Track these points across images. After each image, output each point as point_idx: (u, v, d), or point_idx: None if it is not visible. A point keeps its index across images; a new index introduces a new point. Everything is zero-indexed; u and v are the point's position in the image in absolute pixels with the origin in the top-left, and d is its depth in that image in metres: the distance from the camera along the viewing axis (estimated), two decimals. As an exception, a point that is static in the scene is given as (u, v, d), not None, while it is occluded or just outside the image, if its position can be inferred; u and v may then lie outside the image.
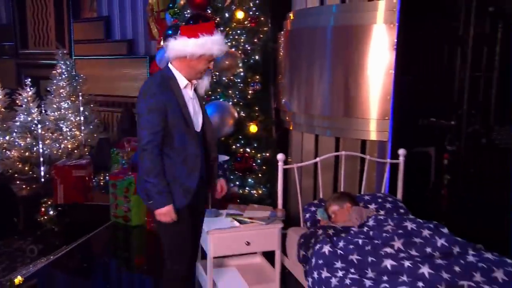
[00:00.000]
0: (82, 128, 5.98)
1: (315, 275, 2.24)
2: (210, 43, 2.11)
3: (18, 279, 2.72)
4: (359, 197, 3.00)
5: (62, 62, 6.30)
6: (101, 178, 4.77)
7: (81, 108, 6.07)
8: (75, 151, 5.64)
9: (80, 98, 6.11)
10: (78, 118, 5.97)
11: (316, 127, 3.55)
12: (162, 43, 4.91)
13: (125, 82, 7.64)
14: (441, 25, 3.45)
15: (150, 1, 6.21)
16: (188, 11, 4.24)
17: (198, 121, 2.27)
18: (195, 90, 2.31)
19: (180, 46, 2.12)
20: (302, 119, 3.67)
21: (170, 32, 4.45)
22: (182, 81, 2.19)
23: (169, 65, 2.22)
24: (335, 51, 3.31)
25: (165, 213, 2.09)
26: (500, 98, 3.24)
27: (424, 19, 3.39)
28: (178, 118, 2.13)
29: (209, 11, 4.16)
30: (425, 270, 2.00)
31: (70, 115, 5.93)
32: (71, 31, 8.12)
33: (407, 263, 2.06)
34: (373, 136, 3.23)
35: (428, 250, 2.20)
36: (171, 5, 4.68)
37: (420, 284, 1.93)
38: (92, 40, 8.16)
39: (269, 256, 3.01)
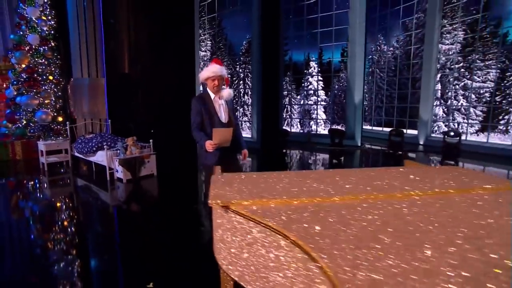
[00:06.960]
0: None
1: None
2: (205, 71, 2.67)
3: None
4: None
5: None
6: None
7: None
8: None
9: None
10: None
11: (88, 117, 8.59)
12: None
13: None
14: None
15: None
16: (23, 74, 7.80)
17: (223, 117, 2.73)
18: (226, 102, 2.76)
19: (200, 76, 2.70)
20: (86, 116, 8.49)
21: (14, 82, 8.02)
22: (212, 95, 2.72)
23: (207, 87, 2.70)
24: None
25: (207, 145, 2.55)
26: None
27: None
28: (208, 116, 2.67)
29: (35, 75, 8.16)
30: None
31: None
32: None
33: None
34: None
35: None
36: (13, 70, 7.65)
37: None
38: None
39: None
